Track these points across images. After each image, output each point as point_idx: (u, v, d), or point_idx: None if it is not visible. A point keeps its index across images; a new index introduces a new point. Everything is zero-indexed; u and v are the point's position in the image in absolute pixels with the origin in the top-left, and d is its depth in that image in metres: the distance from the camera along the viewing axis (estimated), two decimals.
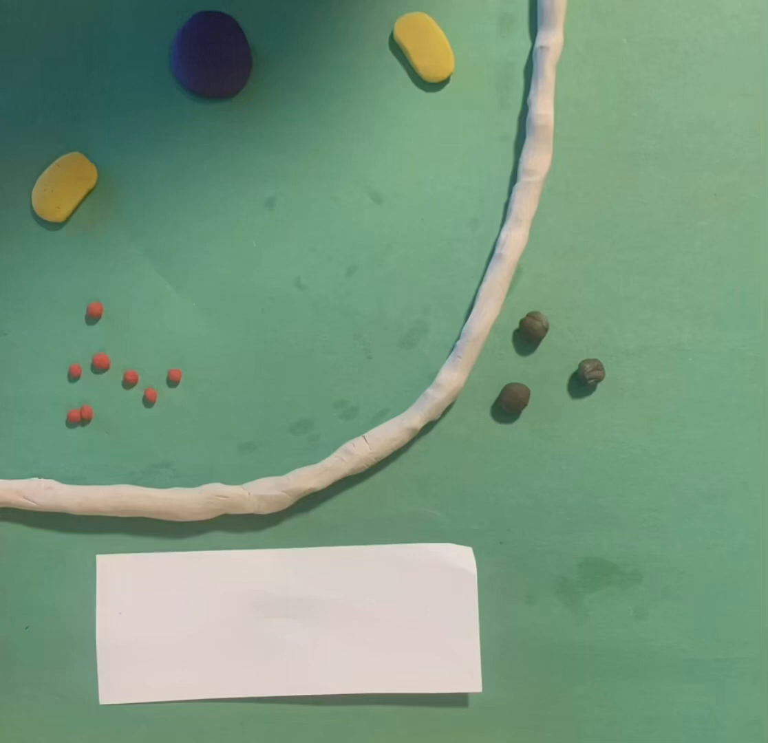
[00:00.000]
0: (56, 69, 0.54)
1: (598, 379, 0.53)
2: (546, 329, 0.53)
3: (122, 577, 0.52)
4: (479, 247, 0.54)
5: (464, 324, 0.53)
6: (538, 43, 0.54)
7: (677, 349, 0.53)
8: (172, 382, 0.53)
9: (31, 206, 0.53)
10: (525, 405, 0.53)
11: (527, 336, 0.53)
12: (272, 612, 0.52)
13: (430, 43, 0.54)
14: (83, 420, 0.53)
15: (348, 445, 0.52)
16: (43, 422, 0.53)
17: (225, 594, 0.52)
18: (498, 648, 0.52)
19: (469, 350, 0.52)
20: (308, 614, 0.52)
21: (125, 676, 0.51)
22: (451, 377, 0.52)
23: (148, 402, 0.53)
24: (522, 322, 0.53)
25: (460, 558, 0.52)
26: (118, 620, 0.51)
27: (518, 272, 0.53)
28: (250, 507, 0.52)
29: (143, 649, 0.51)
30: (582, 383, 0.53)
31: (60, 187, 0.53)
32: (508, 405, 0.53)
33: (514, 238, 0.53)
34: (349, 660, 0.51)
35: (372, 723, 0.52)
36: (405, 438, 0.52)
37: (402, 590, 0.52)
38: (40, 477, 0.52)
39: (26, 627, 0.52)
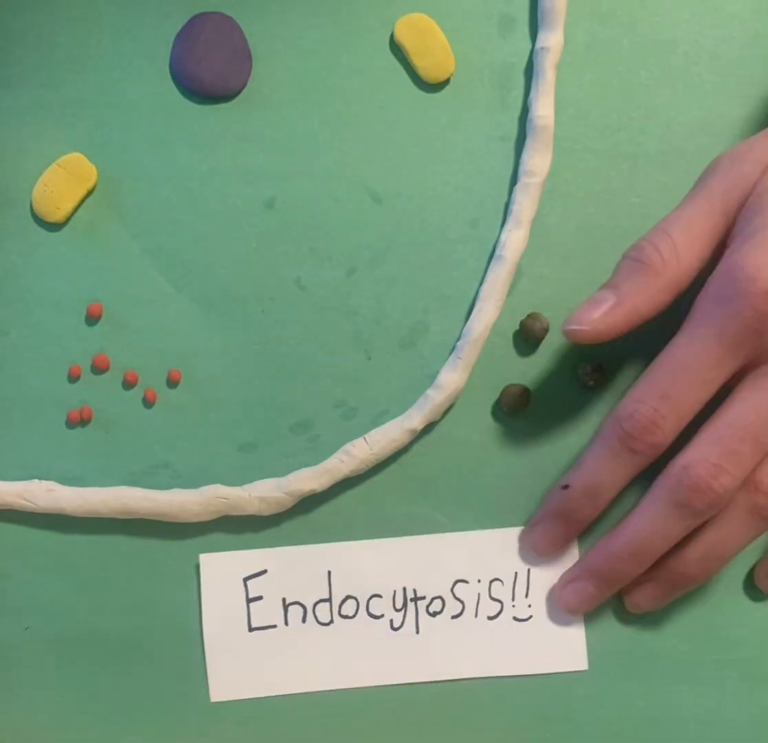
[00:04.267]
0: (56, 69, 0.54)
1: (598, 381, 0.53)
2: (546, 330, 0.53)
3: (225, 575, 0.52)
4: (479, 247, 0.54)
5: (464, 325, 0.53)
6: (539, 43, 0.53)
7: None
8: (171, 383, 0.53)
9: (31, 207, 0.53)
10: (525, 406, 0.53)
11: (527, 337, 0.53)
12: (378, 602, 0.52)
13: (431, 43, 0.54)
14: (83, 421, 0.53)
15: (348, 447, 0.52)
16: (42, 423, 0.53)
17: (329, 586, 0.52)
18: None
19: (469, 351, 0.52)
20: (413, 602, 0.52)
21: (235, 673, 0.52)
22: (451, 378, 0.52)
23: (147, 402, 0.53)
24: (522, 323, 0.53)
25: None
26: (225, 618, 0.52)
27: (518, 273, 0.53)
28: (251, 509, 0.52)
29: (252, 645, 0.52)
30: (581, 385, 0.53)
31: (60, 187, 0.53)
32: (508, 407, 0.53)
33: (515, 239, 0.53)
34: (456, 647, 0.52)
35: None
36: (405, 439, 0.52)
37: (502, 573, 0.52)
38: (39, 477, 0.52)
39: (26, 628, 0.52)
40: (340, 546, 0.52)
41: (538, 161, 0.53)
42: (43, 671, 0.52)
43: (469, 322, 0.53)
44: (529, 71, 0.54)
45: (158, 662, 0.52)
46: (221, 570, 0.52)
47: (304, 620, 0.52)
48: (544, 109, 0.53)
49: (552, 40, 0.53)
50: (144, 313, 0.53)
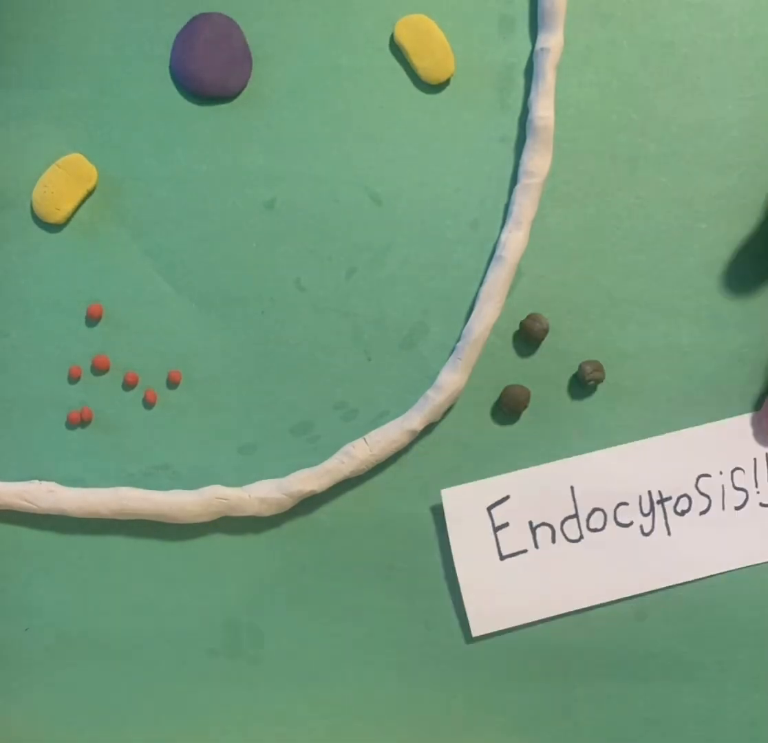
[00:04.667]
0: (56, 69, 0.54)
1: (598, 381, 0.53)
2: (546, 331, 0.53)
3: (469, 507, 0.52)
4: (479, 248, 0.54)
5: (464, 325, 0.53)
6: (539, 44, 0.54)
7: (677, 350, 0.53)
8: (171, 384, 0.53)
9: (31, 207, 0.53)
10: (525, 406, 0.53)
11: (527, 337, 0.53)
12: (625, 509, 0.52)
13: (431, 44, 0.54)
14: (83, 422, 0.53)
15: (348, 447, 0.52)
16: (43, 423, 0.53)
17: (574, 501, 0.52)
18: (498, 648, 0.52)
19: (469, 352, 0.52)
20: (660, 504, 0.52)
21: (493, 604, 0.52)
22: (451, 379, 0.52)
23: (147, 403, 0.53)
24: (522, 324, 0.53)
25: None
26: (474, 550, 0.52)
27: (518, 274, 0.54)
28: (251, 510, 0.52)
29: (505, 573, 0.52)
30: (582, 385, 0.53)
31: (60, 188, 0.53)
32: (508, 407, 0.53)
33: (515, 240, 0.53)
34: (709, 542, 0.52)
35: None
36: (405, 440, 0.52)
37: (742, 461, 0.52)
38: (39, 478, 0.52)
39: (26, 629, 0.52)
40: (578, 460, 0.52)
41: (538, 162, 0.53)
42: (43, 671, 0.52)
43: (469, 323, 0.53)
44: (529, 72, 0.54)
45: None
46: (464, 503, 0.52)
47: (553, 540, 0.52)
48: (544, 109, 0.53)
49: (552, 41, 0.53)
50: (144, 313, 0.53)
